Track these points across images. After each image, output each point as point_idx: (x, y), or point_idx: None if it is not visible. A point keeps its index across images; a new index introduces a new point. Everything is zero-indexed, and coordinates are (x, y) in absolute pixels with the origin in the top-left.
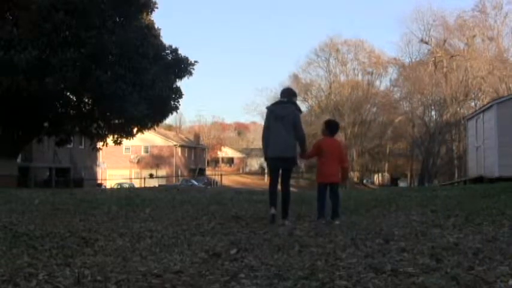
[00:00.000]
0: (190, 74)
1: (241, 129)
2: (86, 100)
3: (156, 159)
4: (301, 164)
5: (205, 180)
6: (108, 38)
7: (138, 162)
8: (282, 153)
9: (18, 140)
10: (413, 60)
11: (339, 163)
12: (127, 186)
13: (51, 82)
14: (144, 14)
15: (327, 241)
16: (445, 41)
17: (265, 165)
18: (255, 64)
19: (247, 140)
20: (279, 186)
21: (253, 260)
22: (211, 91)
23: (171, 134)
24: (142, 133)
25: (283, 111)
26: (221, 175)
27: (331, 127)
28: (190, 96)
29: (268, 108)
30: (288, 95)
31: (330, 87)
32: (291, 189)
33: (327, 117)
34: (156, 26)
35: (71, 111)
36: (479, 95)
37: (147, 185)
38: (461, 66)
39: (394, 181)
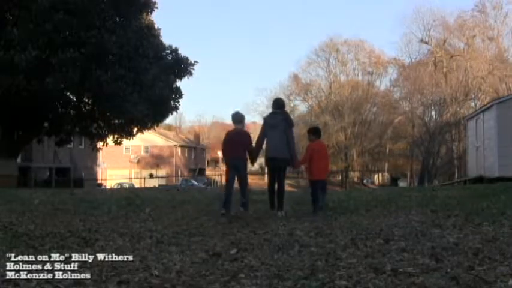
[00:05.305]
0: (190, 74)
1: None
2: (86, 100)
3: (156, 159)
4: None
5: (206, 180)
6: (108, 38)
7: (138, 162)
8: (279, 154)
9: (18, 140)
10: (413, 60)
11: (327, 162)
12: (127, 186)
13: (51, 82)
14: (144, 14)
15: (327, 241)
16: (445, 41)
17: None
18: (255, 64)
19: None
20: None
21: (253, 260)
22: (211, 91)
23: (171, 134)
24: (142, 133)
25: (274, 121)
26: (221, 175)
27: (318, 132)
28: (190, 96)
29: (264, 118)
30: (280, 106)
31: (330, 87)
32: (293, 189)
33: (327, 117)
34: (156, 26)
35: (71, 111)
36: (479, 95)
37: (147, 185)
38: (461, 66)
39: (394, 181)
